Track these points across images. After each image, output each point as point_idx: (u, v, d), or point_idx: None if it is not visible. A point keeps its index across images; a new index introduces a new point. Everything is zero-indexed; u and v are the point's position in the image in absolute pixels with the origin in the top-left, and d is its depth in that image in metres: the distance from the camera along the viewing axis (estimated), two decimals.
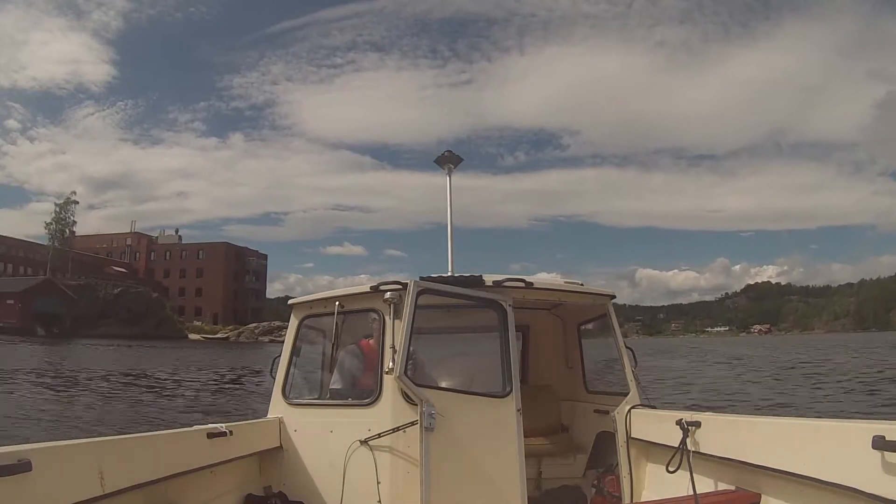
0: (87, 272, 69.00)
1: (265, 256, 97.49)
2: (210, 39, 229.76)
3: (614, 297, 4.17)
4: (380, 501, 3.28)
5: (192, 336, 69.83)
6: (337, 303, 3.64)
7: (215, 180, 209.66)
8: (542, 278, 3.97)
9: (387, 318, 3.51)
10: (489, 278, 3.64)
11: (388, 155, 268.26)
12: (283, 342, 4.05)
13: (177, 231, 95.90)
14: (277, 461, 3.66)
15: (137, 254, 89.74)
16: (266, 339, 69.83)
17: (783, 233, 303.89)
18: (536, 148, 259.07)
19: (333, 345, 3.66)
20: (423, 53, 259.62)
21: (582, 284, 4.04)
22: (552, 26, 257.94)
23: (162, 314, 67.53)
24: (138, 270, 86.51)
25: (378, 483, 3.29)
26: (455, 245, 4.15)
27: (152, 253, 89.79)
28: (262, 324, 76.69)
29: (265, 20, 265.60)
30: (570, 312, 4.87)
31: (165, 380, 20.65)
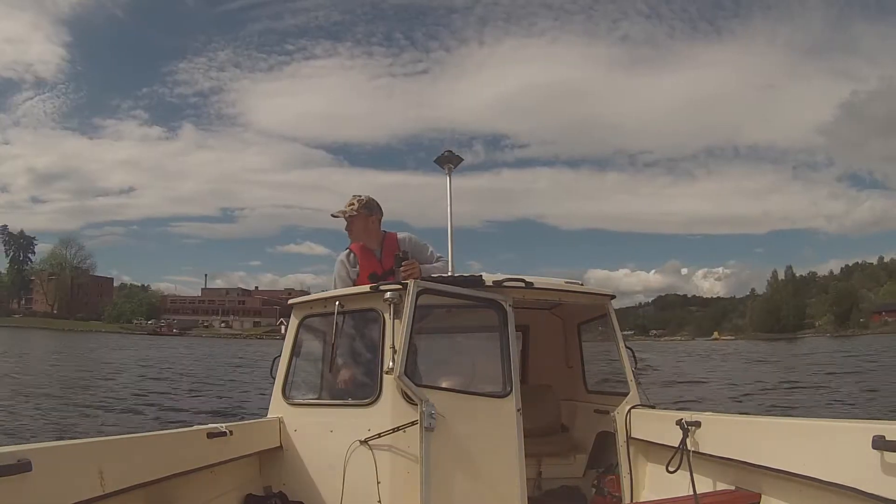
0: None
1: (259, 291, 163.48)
2: (159, 19, 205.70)
3: (614, 297, 4.19)
4: (380, 501, 3.26)
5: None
6: (337, 303, 3.63)
7: (161, 174, 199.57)
8: (543, 278, 3.97)
9: (387, 317, 3.49)
10: (489, 278, 3.65)
11: (341, 149, 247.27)
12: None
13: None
14: (277, 461, 3.65)
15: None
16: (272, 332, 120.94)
17: (736, 236, 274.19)
18: (491, 145, 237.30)
19: (333, 344, 3.64)
20: (378, 41, 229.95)
21: (582, 284, 4.07)
22: (514, 17, 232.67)
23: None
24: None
25: (378, 483, 3.27)
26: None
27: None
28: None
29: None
30: (570, 312, 4.88)
31: None
